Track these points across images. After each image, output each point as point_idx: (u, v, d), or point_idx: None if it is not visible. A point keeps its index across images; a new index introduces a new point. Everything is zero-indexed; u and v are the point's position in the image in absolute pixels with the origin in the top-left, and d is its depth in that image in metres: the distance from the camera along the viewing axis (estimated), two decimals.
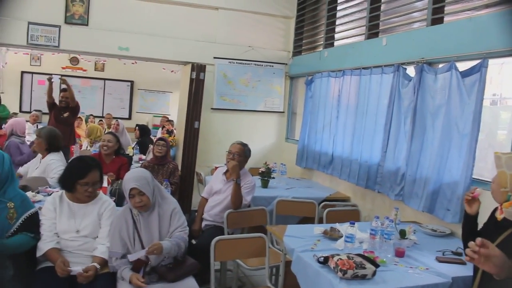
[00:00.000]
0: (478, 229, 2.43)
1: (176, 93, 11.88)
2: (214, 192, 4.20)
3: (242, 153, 4.16)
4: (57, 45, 6.17)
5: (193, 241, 4.07)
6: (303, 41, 6.80)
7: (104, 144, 4.79)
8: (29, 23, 6.05)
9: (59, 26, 6.16)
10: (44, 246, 2.81)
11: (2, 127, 6.47)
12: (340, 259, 2.53)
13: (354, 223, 3.05)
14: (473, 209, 2.39)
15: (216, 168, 4.84)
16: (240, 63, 6.79)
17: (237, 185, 3.94)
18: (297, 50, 6.89)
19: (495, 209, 2.25)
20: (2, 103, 9.96)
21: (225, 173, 4.17)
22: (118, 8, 6.37)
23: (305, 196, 4.76)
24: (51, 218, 2.91)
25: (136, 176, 2.91)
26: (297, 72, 6.80)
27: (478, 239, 1.75)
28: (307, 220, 4.43)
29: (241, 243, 3.35)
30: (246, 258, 3.59)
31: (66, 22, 6.19)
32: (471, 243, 1.76)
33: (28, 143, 5.89)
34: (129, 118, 11.95)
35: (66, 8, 6.20)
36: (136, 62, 10.63)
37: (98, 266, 2.79)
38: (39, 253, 2.80)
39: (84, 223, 2.93)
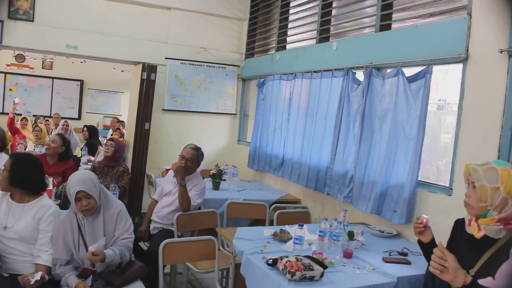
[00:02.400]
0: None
1: (128, 94, 11.65)
2: (165, 194, 4.15)
3: (194, 158, 4.12)
4: (0, 41, 5.91)
5: (142, 244, 4.00)
6: (256, 44, 6.83)
7: (47, 143, 4.65)
8: None
9: (2, 21, 5.90)
10: None
11: None
12: (289, 261, 2.54)
13: (302, 225, 3.07)
14: (427, 237, 2.30)
15: (168, 170, 4.77)
16: (192, 64, 6.73)
17: (183, 187, 3.91)
18: (250, 53, 6.91)
19: (461, 223, 2.20)
20: None
21: (174, 175, 4.12)
22: (66, 4, 6.18)
23: (256, 198, 4.76)
24: None
25: (82, 178, 2.82)
26: (249, 74, 6.82)
27: (439, 250, 1.82)
28: (258, 222, 4.44)
29: (191, 246, 3.32)
30: (196, 261, 3.56)
31: (9, 17, 5.94)
32: (435, 256, 1.85)
33: None
34: (79, 118, 11.61)
35: (10, 2, 5.95)
36: (85, 61, 10.35)
37: (45, 276, 2.66)
38: None
39: (20, 224, 2.79)
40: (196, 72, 6.75)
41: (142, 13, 6.49)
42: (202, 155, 4.22)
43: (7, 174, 2.81)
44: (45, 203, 2.92)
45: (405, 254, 3.16)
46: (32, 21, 6.03)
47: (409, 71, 3.71)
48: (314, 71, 4.95)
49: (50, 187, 3.68)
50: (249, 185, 5.69)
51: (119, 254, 2.78)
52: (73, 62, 10.78)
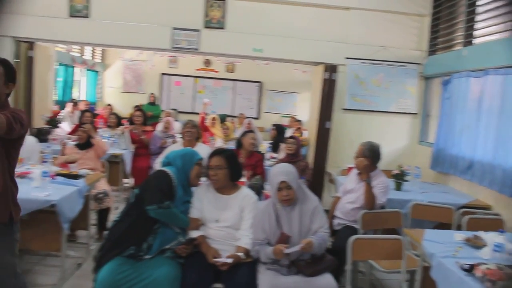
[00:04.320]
0: None
1: (303, 94, 12.09)
2: (348, 191, 4.21)
3: (370, 155, 4.07)
4: (197, 48, 6.61)
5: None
6: (439, 40, 6.51)
7: (251, 143, 5.06)
8: (173, 28, 6.56)
9: (199, 30, 6.59)
10: (193, 232, 3.09)
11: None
12: (489, 268, 2.41)
13: (503, 232, 2.88)
14: None
15: (350, 168, 4.84)
16: (372, 64, 6.69)
17: (368, 185, 3.92)
18: (433, 49, 6.61)
19: None
20: (156, 103, 11.01)
21: (359, 173, 4.15)
22: (253, 11, 6.64)
23: (442, 201, 4.56)
24: (199, 207, 3.16)
25: (285, 170, 3.05)
26: (432, 72, 6.52)
27: None
28: (443, 226, 4.25)
29: (378, 244, 3.33)
30: (382, 259, 3.55)
31: (205, 27, 6.61)
32: None
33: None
34: (257, 118, 12.34)
35: (205, 13, 6.61)
36: (268, 63, 10.96)
37: (243, 256, 2.96)
38: (189, 236, 3.08)
39: (226, 214, 3.13)
40: (375, 71, 6.69)
41: (321, 15, 6.66)
42: (378, 151, 4.16)
43: (226, 171, 3.15)
44: (247, 193, 3.24)
45: None
46: (224, 28, 6.62)
47: None
48: (510, 67, 4.55)
49: (244, 179, 4.01)
50: (432, 187, 5.46)
51: (319, 244, 2.93)
52: (258, 65, 11.48)
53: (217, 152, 3.31)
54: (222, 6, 6.60)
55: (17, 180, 3.85)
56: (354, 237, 3.19)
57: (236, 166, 3.24)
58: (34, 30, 6.63)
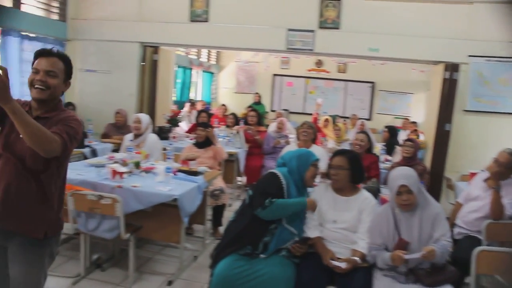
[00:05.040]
0: None
1: (418, 95, 11.59)
2: (471, 199, 3.93)
3: (509, 164, 3.76)
4: (311, 48, 6.61)
5: None
6: None
7: (357, 143, 4.92)
8: (288, 29, 6.62)
9: (314, 31, 6.58)
10: (310, 232, 3.08)
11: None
12: None
13: None
14: None
15: (472, 174, 4.52)
16: (499, 61, 6.16)
17: (497, 193, 3.63)
18: None
19: None
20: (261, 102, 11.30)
21: (486, 180, 3.87)
22: (369, 10, 6.47)
23: None
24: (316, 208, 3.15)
25: (405, 173, 2.93)
26: None
27: None
28: None
29: (505, 258, 3.07)
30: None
31: (320, 27, 6.59)
32: None
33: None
34: (369, 119, 12.04)
35: (320, 14, 6.59)
36: (385, 63, 10.66)
37: (359, 260, 2.90)
38: (305, 235, 3.07)
39: (344, 216, 3.08)
40: (503, 69, 6.13)
41: (441, 11, 6.29)
42: None
43: (348, 172, 3.12)
44: (367, 195, 3.17)
45: None
46: (338, 28, 6.54)
47: None
48: None
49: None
50: None
51: (441, 254, 2.79)
52: (373, 65, 11.24)
53: (341, 152, 3.28)
54: (338, 6, 6.53)
55: (143, 174, 4.19)
56: (479, 248, 2.97)
57: (358, 168, 3.19)
58: (159, 35, 7.10)
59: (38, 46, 6.56)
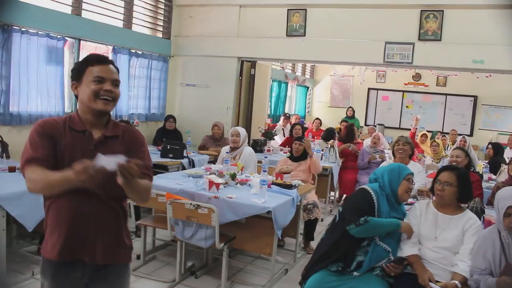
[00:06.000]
0: None
1: None
2: None
3: None
4: (410, 61, 6.42)
5: None
6: None
7: (453, 160, 4.69)
8: (386, 42, 6.49)
9: (413, 43, 6.39)
10: (406, 249, 2.96)
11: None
12: None
13: None
14: None
15: None
16: None
17: None
18: None
19: None
20: (355, 116, 11.21)
21: None
22: (472, 20, 6.17)
23: None
24: (416, 224, 3.03)
25: None
26: None
27: None
28: None
29: None
30: None
31: (419, 39, 6.38)
32: None
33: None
34: (471, 135, 11.40)
35: (420, 26, 6.38)
36: (490, 75, 10.09)
37: (459, 285, 2.73)
38: (400, 253, 2.96)
39: (446, 234, 2.93)
40: None
41: None
42: None
43: (455, 189, 2.97)
44: (472, 216, 2.99)
45: None
46: (440, 40, 6.29)
47: None
48: None
49: None
50: None
51: None
52: (477, 78, 10.69)
53: (449, 168, 3.14)
54: (439, 17, 6.29)
55: (238, 186, 4.28)
56: None
57: (467, 186, 3.01)
58: (256, 50, 7.29)
59: (145, 62, 7.03)
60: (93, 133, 1.90)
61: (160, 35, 7.58)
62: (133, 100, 6.95)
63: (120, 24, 6.64)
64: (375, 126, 11.28)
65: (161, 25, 7.57)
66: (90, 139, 1.88)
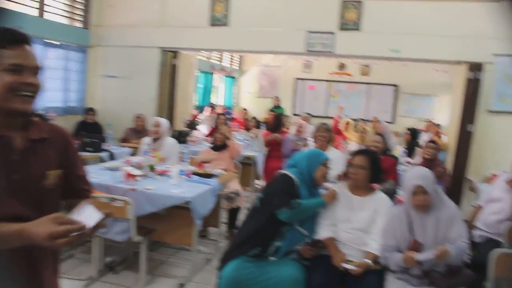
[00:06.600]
0: None
1: (441, 97, 11.37)
2: (493, 200, 3.81)
3: None
4: (331, 50, 6.54)
5: None
6: None
7: (373, 145, 4.85)
8: (308, 31, 6.57)
9: (334, 33, 6.51)
10: (322, 232, 3.02)
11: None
12: None
13: None
14: None
15: (495, 175, 4.39)
16: None
17: None
18: None
19: None
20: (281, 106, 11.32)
21: (508, 181, 3.73)
22: (389, 10, 6.38)
23: None
24: (331, 208, 3.08)
25: (420, 174, 2.85)
26: None
27: None
28: None
29: None
30: None
31: (340, 29, 6.51)
32: None
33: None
34: (392, 122, 11.86)
35: (341, 15, 6.52)
36: (406, 64, 10.51)
37: (370, 263, 2.82)
38: (317, 237, 3.01)
39: (359, 215, 3.01)
40: None
41: (464, 9, 6.11)
42: None
43: (367, 172, 3.05)
44: (383, 196, 3.10)
45: None
46: (358, 29, 6.46)
47: None
48: None
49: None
50: None
51: (457, 255, 2.68)
52: (395, 66, 11.10)
53: (362, 152, 3.23)
54: (358, 7, 6.45)
55: (158, 177, 4.18)
56: (498, 250, 2.86)
57: (377, 168, 3.11)
58: (178, 40, 7.15)
59: (61, 53, 6.70)
60: (12, 138, 1.41)
61: (78, 24, 7.25)
62: (48, 93, 6.61)
63: (35, 12, 6.27)
64: (307, 115, 11.42)
65: (79, 14, 7.24)
66: (10, 147, 1.40)
